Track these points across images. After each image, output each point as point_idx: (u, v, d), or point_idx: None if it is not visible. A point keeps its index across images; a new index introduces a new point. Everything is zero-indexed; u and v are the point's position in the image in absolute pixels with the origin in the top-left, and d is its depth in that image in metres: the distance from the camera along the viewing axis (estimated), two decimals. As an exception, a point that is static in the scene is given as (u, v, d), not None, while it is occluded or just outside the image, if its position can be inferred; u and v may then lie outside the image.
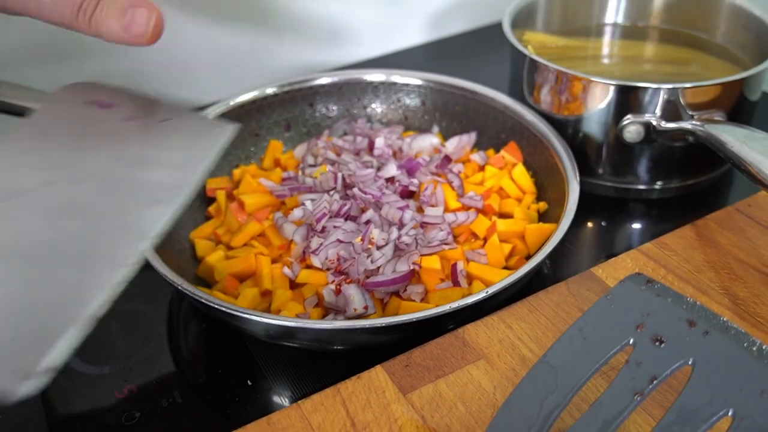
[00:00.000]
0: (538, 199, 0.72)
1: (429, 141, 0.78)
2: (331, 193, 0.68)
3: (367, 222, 0.65)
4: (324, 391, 0.50)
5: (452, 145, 0.77)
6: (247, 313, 0.54)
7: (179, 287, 0.56)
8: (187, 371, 0.60)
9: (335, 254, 0.62)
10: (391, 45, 1.08)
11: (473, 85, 0.79)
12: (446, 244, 0.63)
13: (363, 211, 0.67)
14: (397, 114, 0.83)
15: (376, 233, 0.63)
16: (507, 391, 0.49)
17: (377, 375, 0.51)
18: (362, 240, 0.62)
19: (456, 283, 0.61)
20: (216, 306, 0.55)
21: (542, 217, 0.70)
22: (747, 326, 0.54)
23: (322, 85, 0.81)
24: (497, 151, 0.77)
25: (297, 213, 0.67)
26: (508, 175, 0.72)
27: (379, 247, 0.62)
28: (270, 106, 0.80)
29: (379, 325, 0.53)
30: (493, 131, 0.78)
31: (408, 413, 0.49)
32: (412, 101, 0.82)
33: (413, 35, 1.10)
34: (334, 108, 0.83)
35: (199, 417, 0.56)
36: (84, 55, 0.88)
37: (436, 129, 0.82)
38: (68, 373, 0.60)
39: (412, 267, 0.61)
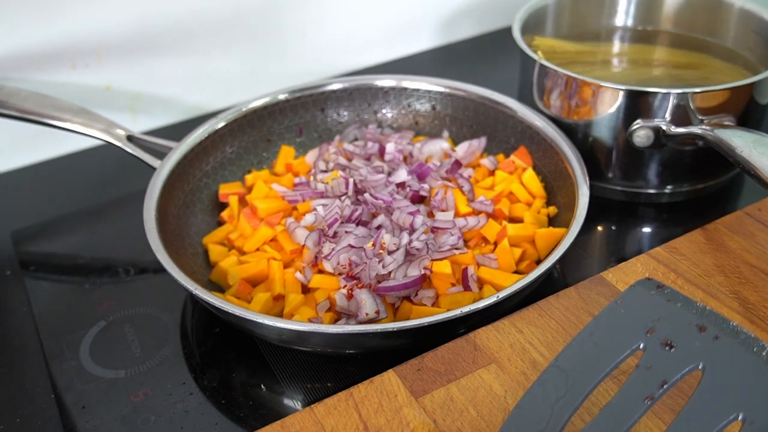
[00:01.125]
0: (548, 203, 0.72)
1: (439, 146, 0.78)
2: (343, 198, 0.69)
3: (379, 227, 0.65)
4: (337, 394, 0.51)
5: (462, 149, 0.77)
6: (260, 318, 0.55)
7: (193, 292, 0.57)
8: (201, 375, 0.61)
9: (347, 259, 0.62)
10: (401, 50, 1.09)
11: (483, 90, 0.79)
12: (457, 248, 0.64)
13: (374, 216, 0.67)
14: (407, 119, 0.83)
15: (387, 238, 0.63)
16: (518, 395, 0.50)
17: (389, 379, 0.52)
18: (374, 245, 0.63)
19: (467, 288, 0.61)
20: (229, 311, 0.55)
21: (552, 221, 0.70)
22: (757, 330, 0.54)
23: (333, 91, 0.82)
24: (507, 155, 0.77)
25: (309, 218, 0.67)
26: (518, 179, 0.73)
27: (390, 252, 0.63)
28: (282, 112, 0.80)
29: (390, 330, 0.53)
30: (503, 136, 0.78)
31: (420, 417, 0.49)
32: (422, 106, 0.83)
33: (423, 40, 1.10)
34: (345, 113, 0.83)
35: (214, 421, 0.57)
36: (98, 63, 0.89)
37: (446, 134, 0.82)
38: (83, 376, 0.61)
39: (423, 272, 0.61)
